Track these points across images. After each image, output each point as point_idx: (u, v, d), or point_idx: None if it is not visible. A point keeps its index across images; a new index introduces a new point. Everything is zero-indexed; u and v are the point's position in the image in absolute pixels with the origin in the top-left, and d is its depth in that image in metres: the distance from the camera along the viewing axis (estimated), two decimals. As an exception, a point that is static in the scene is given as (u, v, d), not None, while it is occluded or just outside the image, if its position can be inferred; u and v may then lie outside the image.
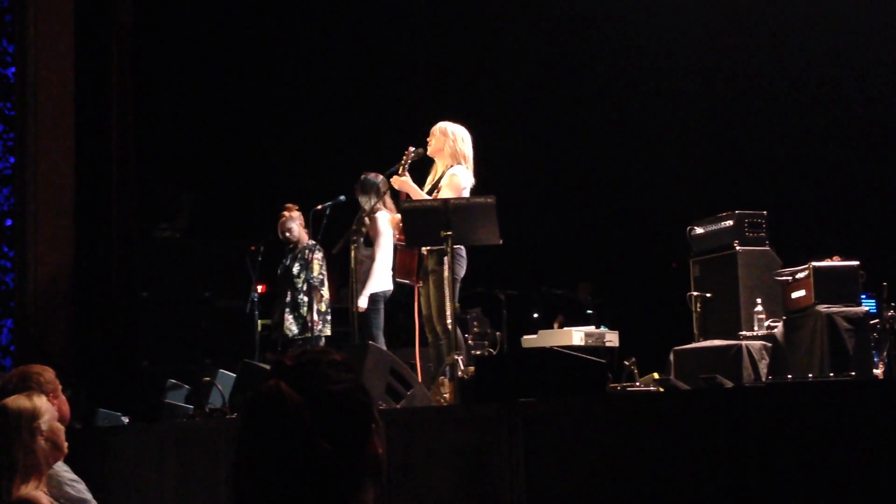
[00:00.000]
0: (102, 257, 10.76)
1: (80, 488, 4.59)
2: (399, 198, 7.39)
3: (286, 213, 9.43)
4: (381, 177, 8.42)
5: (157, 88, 11.21)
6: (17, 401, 3.98)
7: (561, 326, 10.25)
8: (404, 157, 7.22)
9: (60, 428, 4.00)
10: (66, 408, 4.74)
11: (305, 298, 9.30)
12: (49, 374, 4.73)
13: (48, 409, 3.98)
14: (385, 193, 8.16)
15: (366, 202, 8.55)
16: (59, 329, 10.09)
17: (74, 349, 10.11)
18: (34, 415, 3.90)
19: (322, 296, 9.28)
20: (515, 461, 4.35)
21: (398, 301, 8.78)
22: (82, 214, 10.42)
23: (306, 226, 9.35)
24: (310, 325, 9.20)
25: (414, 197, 7.07)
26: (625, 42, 10.88)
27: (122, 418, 8.44)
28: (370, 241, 8.70)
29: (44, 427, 3.90)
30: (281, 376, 1.95)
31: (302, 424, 1.90)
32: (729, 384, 4.99)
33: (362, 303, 8.52)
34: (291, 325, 9.42)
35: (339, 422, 1.92)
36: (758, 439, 4.04)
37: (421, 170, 7.42)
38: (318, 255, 9.31)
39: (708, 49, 10.65)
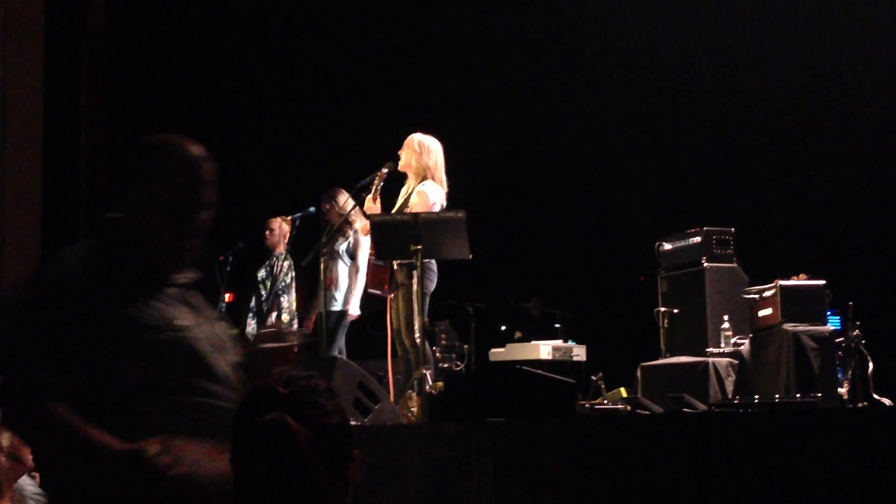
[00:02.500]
0: (69, 264, 10.68)
1: (44, 501, 4.55)
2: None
3: (269, 222, 9.53)
4: (345, 193, 8.47)
5: (127, 95, 11.15)
6: None
7: (519, 340, 10.27)
8: (377, 179, 7.22)
9: (25, 448, 3.94)
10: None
11: (266, 305, 9.33)
12: None
13: None
14: (354, 206, 8.17)
15: (335, 211, 8.58)
16: (23, 336, 10.00)
17: (39, 356, 10.03)
18: None
19: (285, 305, 9.30)
20: (484, 481, 4.36)
21: (365, 312, 8.78)
22: (50, 222, 10.34)
23: (286, 238, 9.39)
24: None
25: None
26: (592, 56, 10.93)
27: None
28: (354, 256, 8.73)
29: (4, 443, 3.86)
30: (282, 408, 2.00)
31: (309, 456, 1.98)
32: (698, 404, 5.03)
33: (353, 310, 8.57)
34: (253, 332, 9.43)
35: (335, 451, 2.01)
36: (725, 461, 4.07)
37: (396, 182, 7.42)
38: (285, 263, 9.35)
39: (676, 64, 10.71)
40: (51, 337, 2.68)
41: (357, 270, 8.65)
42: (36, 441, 2.77)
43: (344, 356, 8.23)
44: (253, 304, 9.53)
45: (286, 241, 9.42)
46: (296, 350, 2.93)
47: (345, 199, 8.59)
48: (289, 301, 9.42)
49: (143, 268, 2.80)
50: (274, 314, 9.37)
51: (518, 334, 10.91)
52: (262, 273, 9.56)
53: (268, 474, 1.99)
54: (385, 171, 7.25)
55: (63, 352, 2.66)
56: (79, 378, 2.66)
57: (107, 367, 2.69)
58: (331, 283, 8.55)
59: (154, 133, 2.91)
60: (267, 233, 9.56)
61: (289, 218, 9.32)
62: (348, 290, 8.66)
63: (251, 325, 9.49)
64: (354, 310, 8.62)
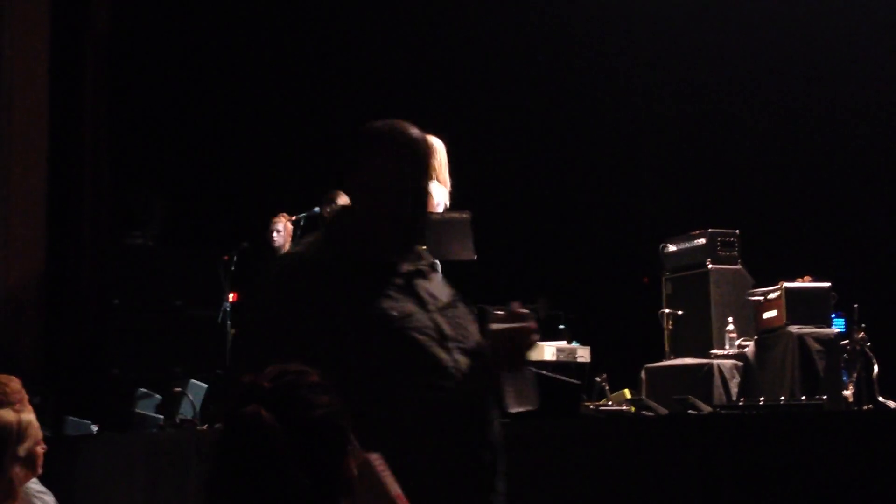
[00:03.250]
0: (73, 264, 10.68)
1: (48, 500, 4.53)
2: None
3: (273, 220, 9.50)
4: (345, 196, 8.46)
5: (131, 95, 11.15)
6: (5, 415, 3.77)
7: None
8: None
9: (39, 453, 3.88)
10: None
11: None
12: (15, 383, 4.64)
13: (34, 432, 3.83)
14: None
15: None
16: (28, 335, 10.01)
17: (44, 356, 10.04)
18: (18, 437, 3.79)
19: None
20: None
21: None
22: (54, 220, 10.35)
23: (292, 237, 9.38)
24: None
25: None
26: (597, 58, 10.91)
27: (91, 427, 8.39)
28: None
29: (22, 454, 3.79)
30: (259, 401, 1.92)
31: (279, 455, 1.88)
32: (703, 406, 5.02)
33: None
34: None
35: (316, 448, 1.91)
36: (730, 463, 4.06)
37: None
38: (282, 262, 9.34)
39: (681, 66, 10.69)
40: (266, 335, 2.67)
41: None
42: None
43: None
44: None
45: (290, 240, 9.42)
46: (534, 329, 2.81)
47: (345, 201, 8.57)
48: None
49: (369, 257, 2.77)
50: None
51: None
52: (266, 276, 9.56)
53: (235, 470, 1.90)
54: None
55: (278, 350, 2.58)
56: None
57: (323, 362, 2.57)
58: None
59: (371, 120, 2.93)
60: (274, 233, 9.51)
61: (292, 217, 9.32)
62: None
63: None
64: None
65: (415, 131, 2.89)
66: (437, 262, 3.01)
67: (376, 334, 2.67)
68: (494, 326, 2.77)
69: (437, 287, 2.86)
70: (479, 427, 2.79)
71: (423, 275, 2.85)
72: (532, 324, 2.81)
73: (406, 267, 2.82)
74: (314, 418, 1.92)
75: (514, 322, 2.78)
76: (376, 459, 2.15)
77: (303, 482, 1.88)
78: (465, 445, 2.74)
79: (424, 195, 2.86)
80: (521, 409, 2.84)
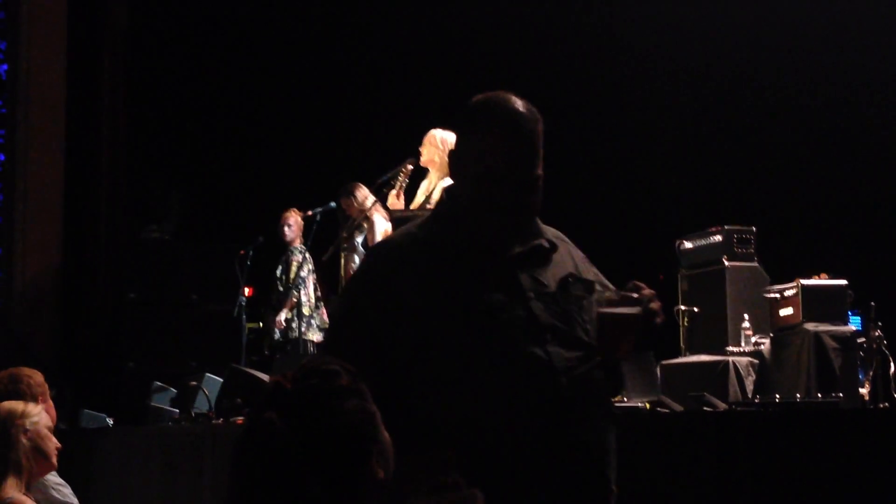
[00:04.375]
0: (90, 258, 10.73)
1: (65, 492, 4.58)
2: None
3: (284, 215, 9.52)
4: (364, 188, 8.46)
5: (148, 90, 11.19)
6: (10, 404, 4.03)
7: None
8: (400, 175, 7.21)
9: (48, 435, 4.00)
10: (53, 412, 4.74)
11: (281, 300, 9.37)
12: (38, 377, 4.74)
13: (39, 413, 4.02)
14: (375, 201, 8.17)
15: (354, 206, 8.58)
16: (45, 328, 10.06)
17: (60, 349, 10.08)
18: (22, 415, 3.96)
19: (301, 299, 9.31)
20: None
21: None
22: (71, 214, 10.39)
23: (303, 232, 9.40)
24: (293, 328, 9.25)
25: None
26: (613, 54, 10.89)
27: (107, 420, 8.41)
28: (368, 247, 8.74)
29: (28, 426, 3.94)
30: (280, 405, 1.86)
31: (291, 463, 1.82)
32: (718, 403, 5.01)
33: None
34: (274, 329, 9.48)
35: (334, 455, 1.85)
36: (746, 460, 4.06)
37: (415, 177, 7.42)
38: (299, 257, 9.35)
39: (698, 61, 10.67)
40: (363, 327, 2.51)
41: None
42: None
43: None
44: (273, 301, 9.56)
45: (301, 234, 9.45)
46: (649, 312, 2.55)
47: (364, 194, 8.58)
48: (306, 296, 9.43)
49: (470, 244, 2.56)
50: (285, 311, 9.37)
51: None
52: (278, 270, 9.57)
53: (249, 480, 1.84)
54: (409, 167, 7.24)
55: (374, 341, 2.50)
56: (384, 369, 2.45)
57: (413, 355, 2.49)
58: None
59: (476, 95, 2.66)
60: (286, 228, 9.54)
61: (306, 213, 9.34)
62: None
63: (271, 323, 9.53)
64: None
65: (517, 103, 2.62)
66: (561, 235, 2.75)
67: (457, 332, 2.48)
68: (602, 310, 2.54)
69: (551, 269, 2.62)
70: (580, 422, 2.54)
71: (534, 256, 2.61)
72: (652, 305, 2.57)
73: (516, 250, 2.58)
74: (335, 425, 1.85)
75: (623, 306, 2.55)
76: (480, 500, 2.06)
77: (314, 490, 1.82)
78: (560, 441, 2.50)
79: (528, 172, 2.57)
80: (640, 400, 2.66)
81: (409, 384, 2.48)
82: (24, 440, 3.91)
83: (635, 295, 2.54)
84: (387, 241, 2.72)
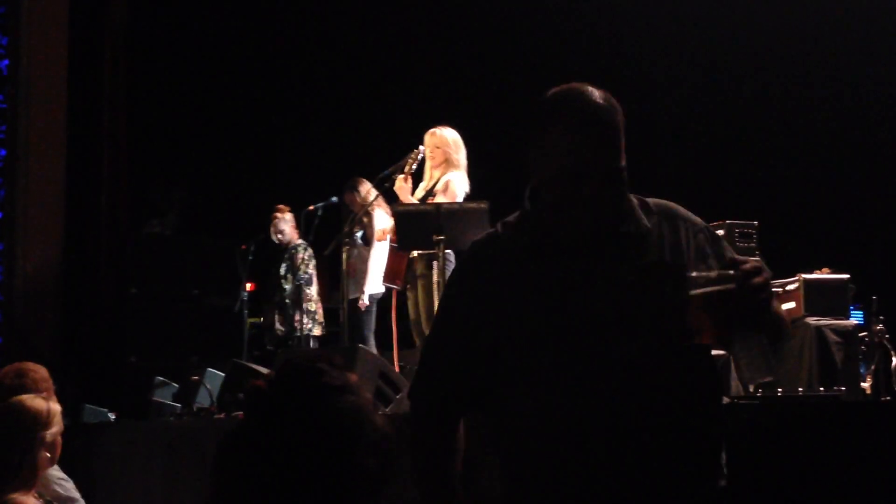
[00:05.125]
0: (91, 252, 10.73)
1: (68, 487, 4.58)
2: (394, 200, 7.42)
3: (278, 215, 9.49)
4: (367, 183, 8.47)
5: (149, 85, 11.18)
6: (34, 402, 3.92)
7: None
8: (411, 159, 7.21)
9: (60, 441, 3.95)
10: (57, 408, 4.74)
11: (290, 299, 9.34)
12: (43, 372, 4.73)
13: (59, 420, 3.93)
14: (378, 196, 8.16)
15: (357, 201, 8.59)
16: (46, 323, 10.05)
17: (62, 344, 10.08)
18: (46, 423, 3.86)
19: (309, 295, 9.30)
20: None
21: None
22: (72, 209, 10.39)
23: (298, 227, 9.39)
24: (297, 324, 9.23)
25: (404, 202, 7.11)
26: (615, 46, 10.88)
27: (109, 415, 8.43)
28: (368, 241, 8.74)
29: (49, 439, 3.86)
30: (262, 405, 1.80)
31: (273, 474, 1.76)
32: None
33: (366, 300, 8.57)
34: (280, 326, 9.46)
35: (316, 456, 1.79)
36: (747, 454, 4.05)
37: (415, 174, 7.43)
38: (304, 254, 9.35)
39: (699, 56, 10.66)
40: (458, 332, 2.54)
41: (369, 255, 8.64)
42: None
43: (372, 344, 8.24)
44: (277, 299, 9.55)
45: (296, 228, 9.45)
46: (752, 287, 2.31)
47: (367, 189, 8.60)
48: (313, 291, 9.43)
49: (552, 242, 2.50)
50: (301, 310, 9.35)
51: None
52: (283, 268, 9.54)
53: (227, 488, 1.79)
54: (419, 154, 7.25)
55: (469, 343, 2.51)
56: (472, 381, 2.52)
57: (495, 357, 2.48)
58: (354, 272, 8.56)
59: (547, 89, 2.61)
60: (280, 235, 9.49)
61: (287, 208, 9.36)
62: (362, 277, 8.64)
63: (277, 321, 9.51)
64: (373, 290, 8.58)
65: (595, 95, 2.53)
66: (669, 210, 2.63)
67: (531, 333, 2.45)
68: (694, 293, 2.35)
69: (639, 257, 2.51)
70: (677, 415, 2.46)
71: (619, 247, 2.50)
72: (754, 280, 2.32)
73: (602, 242, 2.48)
74: (313, 426, 1.78)
75: (718, 284, 2.34)
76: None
77: (298, 495, 1.76)
78: (654, 437, 2.43)
79: (612, 164, 2.47)
80: (756, 380, 2.54)
81: (499, 382, 2.50)
82: (44, 454, 3.85)
83: (732, 272, 2.34)
84: (475, 243, 2.66)
